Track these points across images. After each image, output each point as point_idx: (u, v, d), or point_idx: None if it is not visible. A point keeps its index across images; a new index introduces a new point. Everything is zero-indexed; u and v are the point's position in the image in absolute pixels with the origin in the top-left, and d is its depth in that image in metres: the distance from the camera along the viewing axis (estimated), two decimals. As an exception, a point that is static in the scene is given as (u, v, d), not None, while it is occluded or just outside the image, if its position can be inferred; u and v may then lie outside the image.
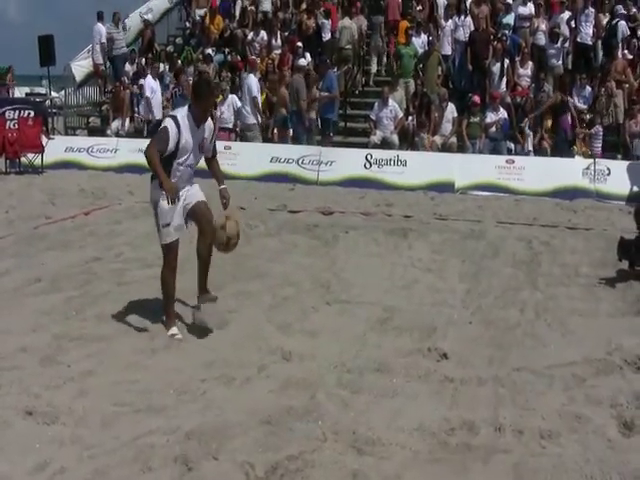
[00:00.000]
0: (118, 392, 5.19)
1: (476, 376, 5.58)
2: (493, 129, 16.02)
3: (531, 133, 16.22)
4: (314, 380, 5.46)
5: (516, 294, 7.87)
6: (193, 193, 6.46)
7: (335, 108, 17.12)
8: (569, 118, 15.91)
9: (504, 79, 17.05)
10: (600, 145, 15.76)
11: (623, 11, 17.82)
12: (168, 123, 6.19)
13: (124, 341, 6.22)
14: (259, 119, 17.12)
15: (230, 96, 17.27)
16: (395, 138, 16.46)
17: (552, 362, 5.86)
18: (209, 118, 6.50)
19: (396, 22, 19.45)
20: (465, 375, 5.60)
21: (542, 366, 5.78)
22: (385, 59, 19.80)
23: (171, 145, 6.12)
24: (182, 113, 6.29)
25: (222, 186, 6.57)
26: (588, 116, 16.28)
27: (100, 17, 20.51)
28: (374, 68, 19.53)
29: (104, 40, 20.29)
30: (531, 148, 16.09)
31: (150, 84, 17.64)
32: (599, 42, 17.89)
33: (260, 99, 17.20)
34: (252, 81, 17.00)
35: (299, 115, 16.37)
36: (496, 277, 8.53)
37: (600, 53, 17.90)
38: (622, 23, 17.36)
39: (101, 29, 20.33)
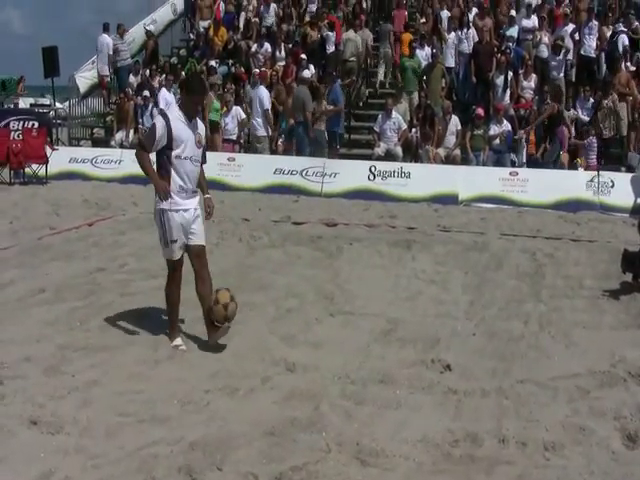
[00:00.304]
0: (122, 402, 5.19)
1: (480, 388, 5.59)
2: (497, 141, 16.04)
3: (525, 145, 16.24)
4: (318, 391, 5.46)
5: (520, 306, 7.87)
6: (198, 229, 6.47)
7: (341, 121, 17.17)
8: (565, 129, 15.94)
9: (508, 91, 17.10)
10: (595, 156, 15.78)
11: (623, 28, 17.88)
12: (157, 119, 6.41)
13: (128, 351, 6.22)
14: (269, 131, 17.14)
15: (234, 107, 17.30)
16: (399, 150, 16.48)
17: (556, 374, 5.87)
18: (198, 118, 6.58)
19: (401, 34, 19.49)
20: (469, 387, 5.60)
21: (546, 378, 5.78)
22: (390, 71, 19.83)
23: (159, 136, 6.18)
24: (172, 110, 6.56)
25: (207, 195, 6.65)
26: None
27: (106, 28, 20.68)
28: (381, 76, 19.57)
29: (110, 51, 20.40)
30: (524, 160, 16.11)
31: (165, 96, 17.68)
32: (602, 55, 17.95)
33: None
34: (264, 93, 16.97)
35: (305, 126, 16.40)
36: (500, 289, 8.54)
37: (604, 66, 17.94)
38: (622, 37, 17.43)
39: (107, 40, 20.44)
